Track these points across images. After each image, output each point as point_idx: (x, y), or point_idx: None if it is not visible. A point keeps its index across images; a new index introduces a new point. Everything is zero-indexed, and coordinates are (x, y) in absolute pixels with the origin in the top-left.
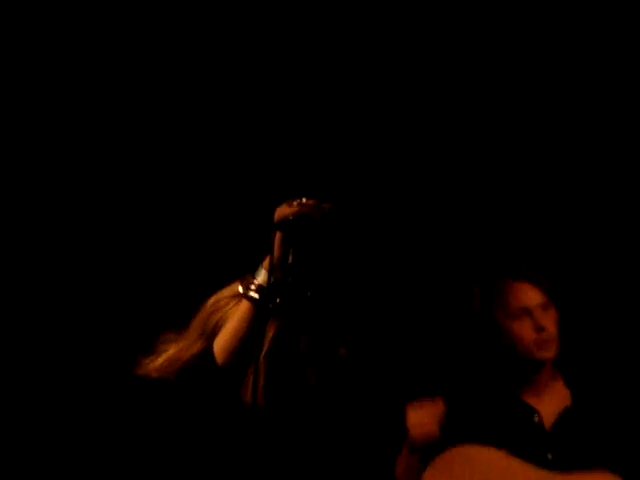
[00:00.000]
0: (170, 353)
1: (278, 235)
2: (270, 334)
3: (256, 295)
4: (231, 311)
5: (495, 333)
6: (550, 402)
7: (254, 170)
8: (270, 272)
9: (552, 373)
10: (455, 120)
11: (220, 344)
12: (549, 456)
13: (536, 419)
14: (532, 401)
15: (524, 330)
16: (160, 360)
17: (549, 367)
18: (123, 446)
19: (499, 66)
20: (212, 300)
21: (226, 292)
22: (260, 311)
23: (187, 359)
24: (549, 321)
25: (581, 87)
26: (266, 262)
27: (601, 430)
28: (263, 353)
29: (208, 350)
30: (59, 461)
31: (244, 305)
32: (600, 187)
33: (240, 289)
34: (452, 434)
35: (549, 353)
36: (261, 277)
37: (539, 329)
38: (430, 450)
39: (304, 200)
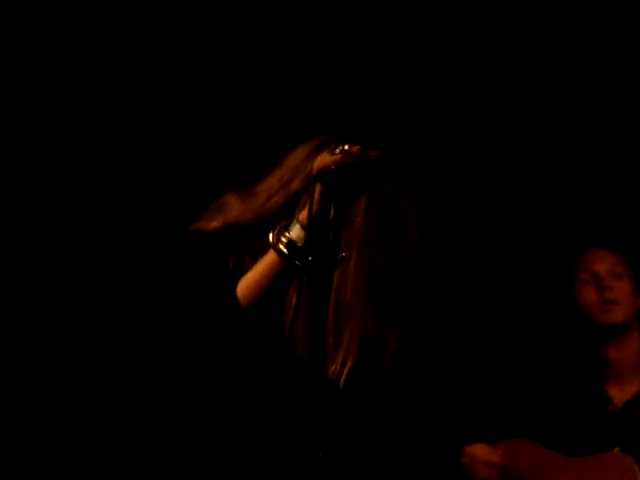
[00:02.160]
0: (239, 205)
1: (318, 187)
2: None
3: (285, 250)
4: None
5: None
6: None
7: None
8: (306, 228)
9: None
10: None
11: (243, 287)
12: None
13: (609, 408)
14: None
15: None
16: (225, 214)
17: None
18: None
19: None
20: (301, 149)
21: (316, 141)
22: (287, 267)
23: (269, 208)
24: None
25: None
26: (302, 215)
27: None
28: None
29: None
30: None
31: (270, 256)
32: None
33: (270, 237)
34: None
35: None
36: (294, 232)
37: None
38: None
39: (347, 147)
